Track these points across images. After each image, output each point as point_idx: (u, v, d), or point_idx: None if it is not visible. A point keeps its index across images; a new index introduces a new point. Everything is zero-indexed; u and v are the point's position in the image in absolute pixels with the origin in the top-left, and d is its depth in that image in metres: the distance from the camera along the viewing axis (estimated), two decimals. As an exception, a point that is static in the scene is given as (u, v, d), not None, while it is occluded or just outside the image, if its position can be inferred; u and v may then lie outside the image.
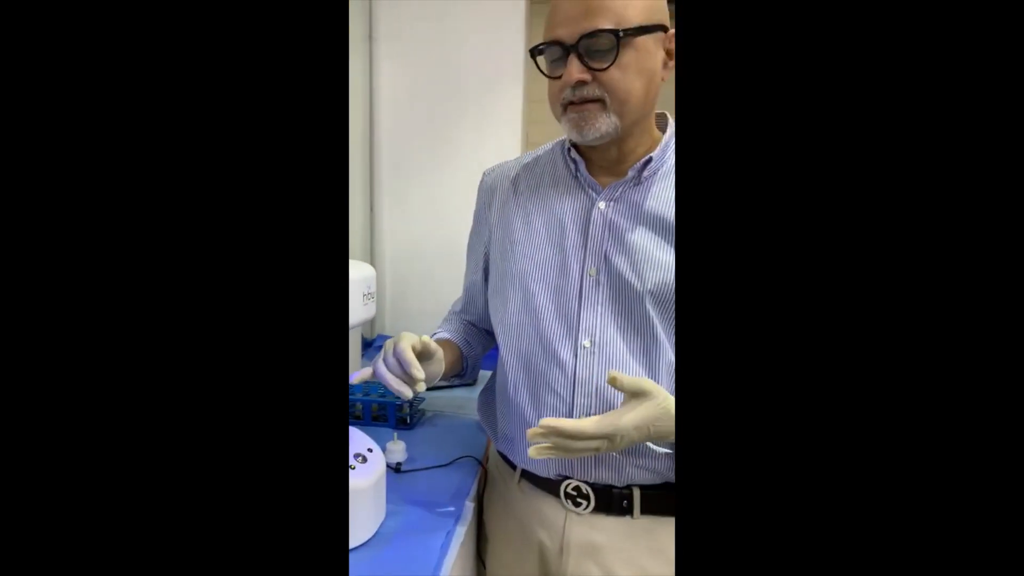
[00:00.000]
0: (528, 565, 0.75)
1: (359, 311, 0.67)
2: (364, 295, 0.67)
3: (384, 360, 0.67)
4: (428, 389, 0.70)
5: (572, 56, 0.63)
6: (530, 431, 0.61)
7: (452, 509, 0.75)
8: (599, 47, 0.63)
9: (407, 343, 0.67)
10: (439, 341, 0.80)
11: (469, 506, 0.77)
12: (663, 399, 0.62)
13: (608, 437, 0.61)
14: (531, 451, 0.62)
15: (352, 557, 0.63)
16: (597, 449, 0.62)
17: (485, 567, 0.85)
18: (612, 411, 0.63)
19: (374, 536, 0.67)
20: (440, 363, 0.73)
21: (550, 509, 0.73)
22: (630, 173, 0.70)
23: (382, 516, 0.70)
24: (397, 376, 0.66)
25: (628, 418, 0.61)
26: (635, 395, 0.62)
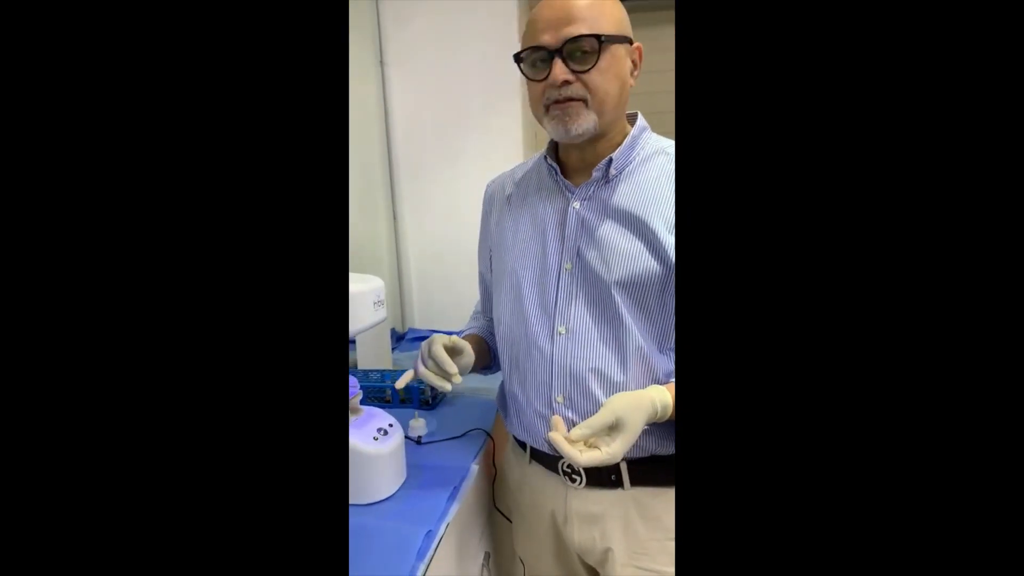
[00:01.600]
0: (543, 530, 0.86)
1: (371, 316, 0.83)
2: (374, 303, 0.83)
3: (423, 361, 0.79)
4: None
5: (557, 59, 0.70)
6: (551, 434, 0.66)
7: (461, 470, 0.92)
8: (582, 50, 0.70)
9: (439, 344, 0.78)
10: (467, 336, 0.91)
11: (474, 468, 0.94)
12: (630, 411, 0.66)
13: (608, 463, 0.66)
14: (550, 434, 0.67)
15: (377, 508, 0.81)
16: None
17: (512, 524, 0.97)
18: (606, 446, 0.65)
19: (396, 493, 0.85)
20: (470, 356, 0.82)
21: (554, 484, 0.82)
22: (595, 174, 0.77)
23: (403, 478, 0.87)
24: (436, 374, 0.78)
25: (616, 448, 0.65)
26: (612, 427, 0.66)
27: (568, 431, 0.67)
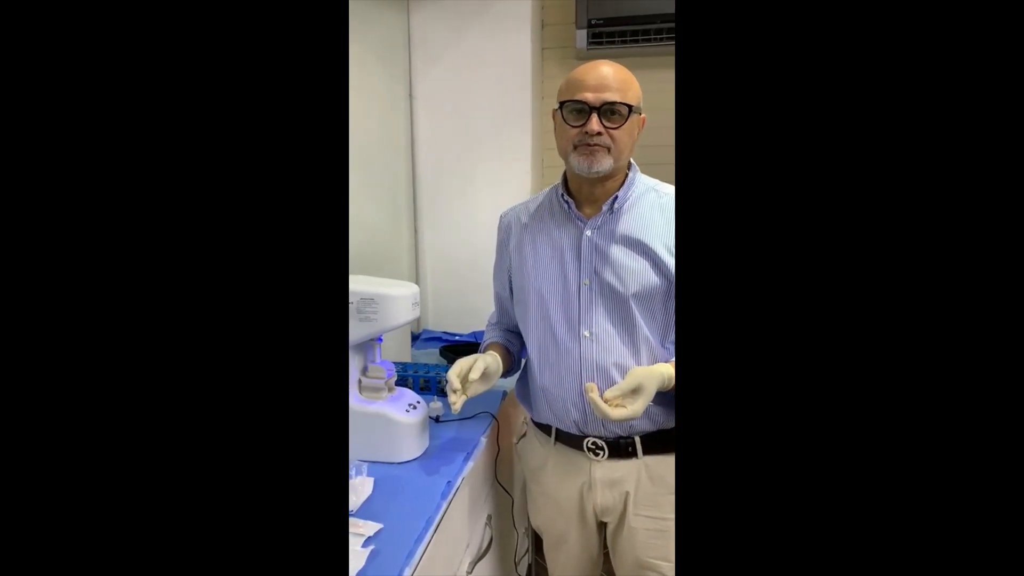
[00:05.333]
0: (569, 499, 1.06)
1: (409, 314, 1.04)
2: (412, 304, 1.05)
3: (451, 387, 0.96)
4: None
5: (594, 114, 0.91)
6: (590, 394, 0.87)
7: (473, 441, 1.13)
8: (615, 111, 0.91)
9: (454, 375, 0.96)
10: (491, 345, 1.11)
11: (483, 441, 1.15)
12: (649, 379, 0.88)
13: (632, 417, 0.88)
14: (589, 392, 0.87)
15: (406, 466, 1.02)
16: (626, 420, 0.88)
17: (528, 518, 1.17)
18: (631, 404, 0.86)
19: (420, 456, 1.06)
20: (497, 374, 1.03)
21: (579, 459, 1.02)
22: (604, 207, 0.97)
23: (426, 445, 1.09)
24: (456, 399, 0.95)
25: (639, 406, 0.87)
26: (634, 391, 0.87)
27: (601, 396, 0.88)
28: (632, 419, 0.88)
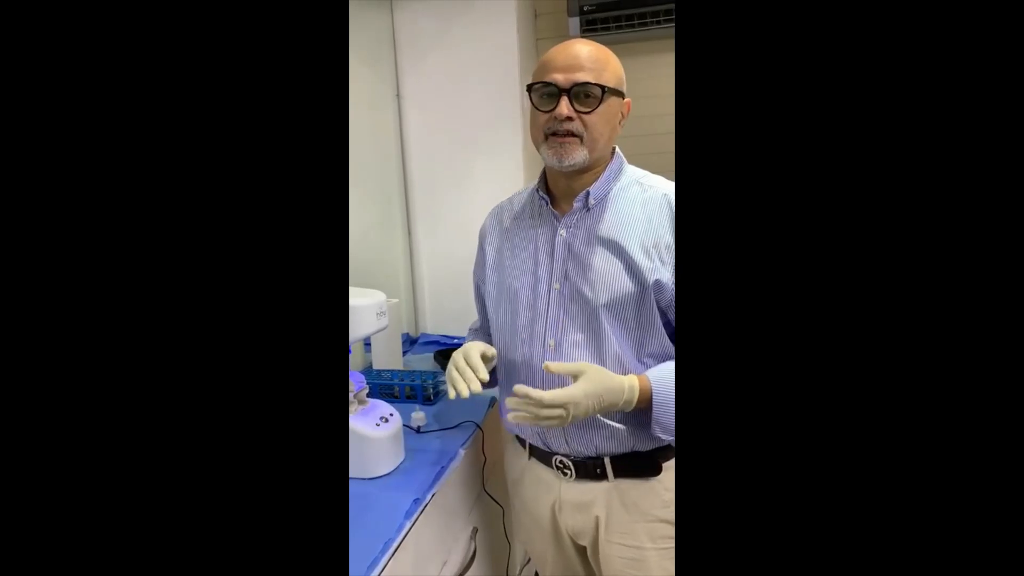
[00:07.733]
0: (544, 518, 1.00)
1: (374, 325, 1.01)
2: (376, 314, 1.01)
3: (455, 365, 0.89)
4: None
5: (564, 97, 0.83)
6: (508, 400, 0.81)
7: (449, 454, 1.09)
8: (587, 94, 0.83)
9: (477, 354, 0.89)
10: None
11: (462, 452, 1.11)
12: (598, 371, 0.81)
13: (564, 405, 0.78)
14: (509, 416, 0.81)
15: (377, 481, 0.99)
16: (561, 417, 0.78)
17: (509, 513, 1.13)
18: (566, 388, 0.80)
19: (394, 470, 1.02)
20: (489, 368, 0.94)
21: (549, 476, 0.96)
22: (576, 204, 0.89)
23: (400, 458, 1.05)
24: (462, 377, 0.87)
25: (576, 389, 0.78)
26: (575, 376, 0.81)
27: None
28: (552, 404, 0.78)
